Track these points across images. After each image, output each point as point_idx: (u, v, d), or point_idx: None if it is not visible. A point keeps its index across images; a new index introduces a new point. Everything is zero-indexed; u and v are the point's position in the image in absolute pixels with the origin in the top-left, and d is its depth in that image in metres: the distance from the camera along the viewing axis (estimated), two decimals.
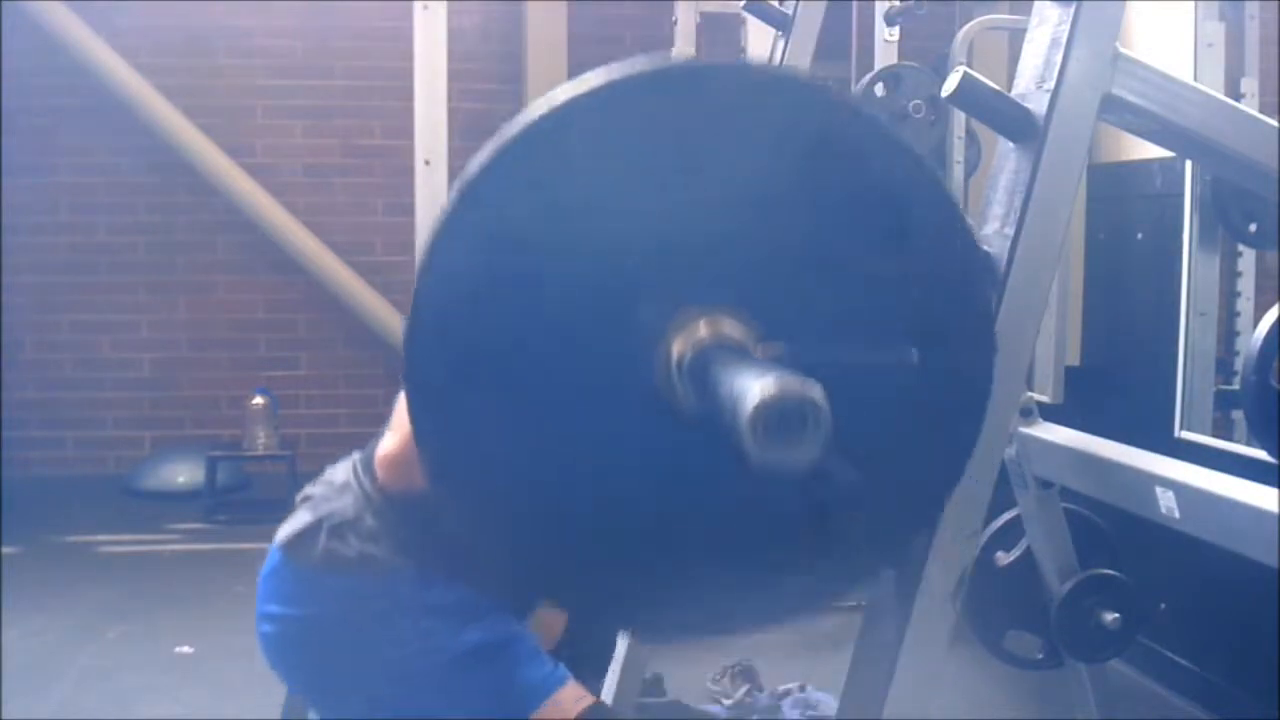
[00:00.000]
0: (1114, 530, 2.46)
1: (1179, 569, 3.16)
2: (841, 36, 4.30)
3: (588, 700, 1.60)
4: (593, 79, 1.03)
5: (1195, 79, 2.74)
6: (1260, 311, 3.17)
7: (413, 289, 1.04)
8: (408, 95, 3.90)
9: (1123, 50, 1.44)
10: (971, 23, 4.35)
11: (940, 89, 1.45)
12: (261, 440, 5.46)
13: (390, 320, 5.99)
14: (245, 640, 3.80)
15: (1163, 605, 3.36)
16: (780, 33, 2.86)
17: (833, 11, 2.92)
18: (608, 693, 2.58)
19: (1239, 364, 3.28)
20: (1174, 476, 1.95)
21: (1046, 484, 2.35)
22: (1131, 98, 1.43)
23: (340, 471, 1.71)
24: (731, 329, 1.04)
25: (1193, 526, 1.92)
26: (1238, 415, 3.22)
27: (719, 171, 1.06)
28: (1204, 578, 3.15)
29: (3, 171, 5.71)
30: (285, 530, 1.68)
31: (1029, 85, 1.41)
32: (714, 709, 3.29)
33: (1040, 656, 2.47)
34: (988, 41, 4.48)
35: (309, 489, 1.73)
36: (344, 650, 1.61)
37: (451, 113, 3.91)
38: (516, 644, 1.61)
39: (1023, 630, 2.44)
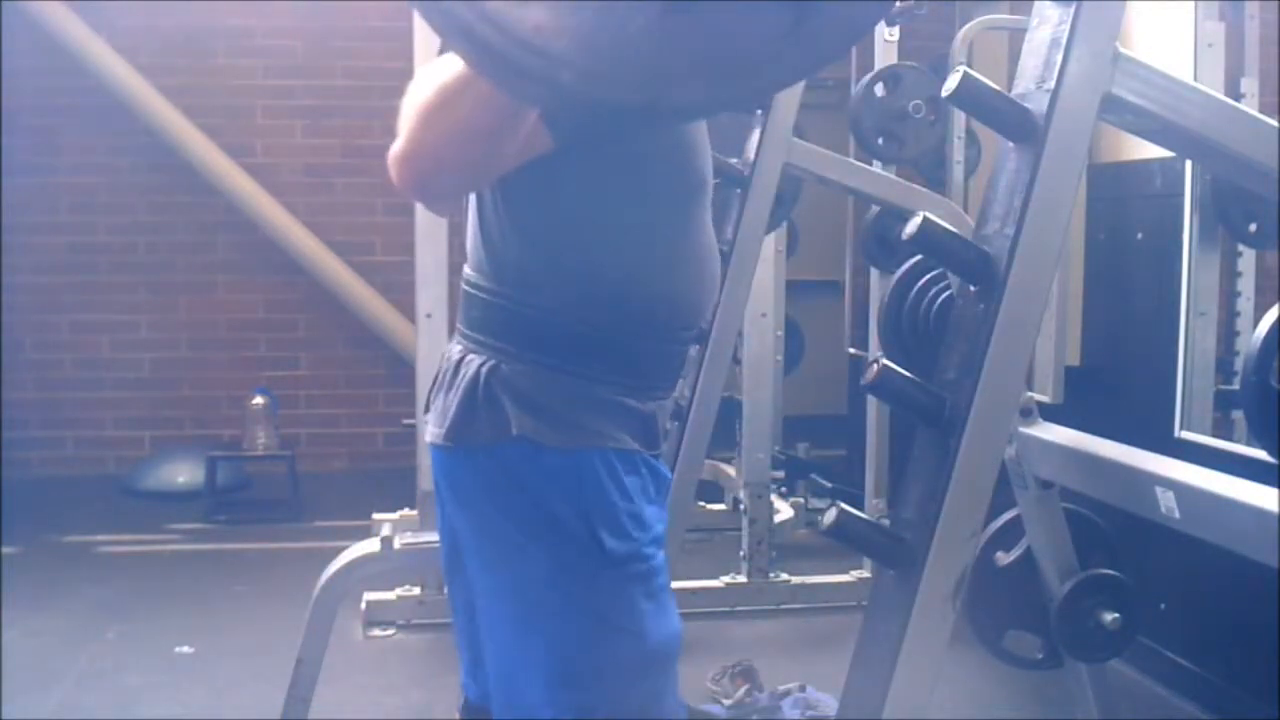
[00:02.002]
0: (1114, 530, 2.46)
1: (1179, 569, 3.16)
2: None
3: None
4: None
5: (1195, 79, 2.74)
6: (1260, 311, 3.17)
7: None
8: None
9: (1123, 50, 1.44)
10: (971, 23, 4.35)
11: (940, 89, 1.45)
12: (261, 440, 5.46)
13: (390, 320, 6.00)
14: (245, 640, 3.84)
15: (1163, 605, 3.36)
16: None
17: None
18: None
19: (1239, 364, 3.28)
20: (1174, 476, 1.95)
21: (1046, 484, 2.34)
22: (1131, 98, 1.43)
23: (451, 353, 1.61)
24: None
25: (1193, 526, 1.92)
26: (1237, 415, 3.22)
27: None
28: (1204, 578, 3.16)
29: (3, 171, 5.72)
30: (435, 427, 1.59)
31: (1029, 85, 1.41)
32: (714, 709, 3.29)
33: (1040, 657, 2.46)
34: (988, 41, 4.48)
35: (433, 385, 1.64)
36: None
37: None
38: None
39: (1023, 630, 2.44)
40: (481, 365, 1.53)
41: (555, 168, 1.45)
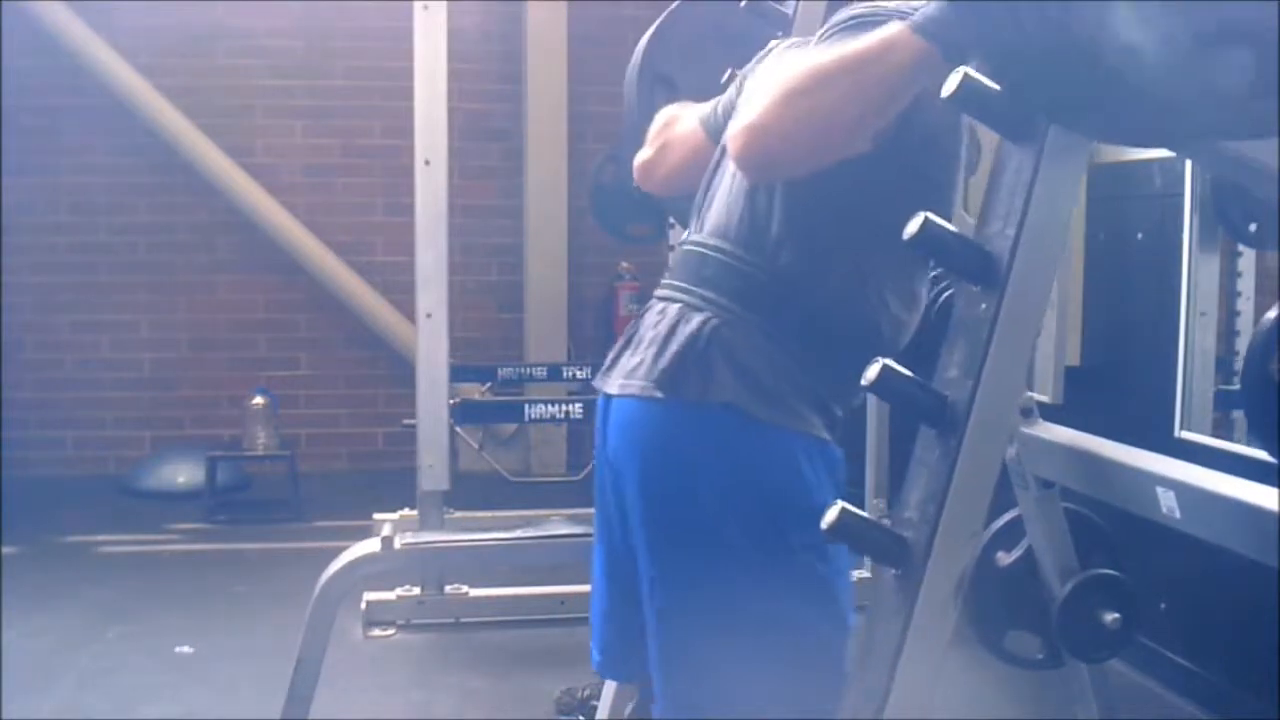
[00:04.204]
0: (1114, 530, 2.46)
1: (1179, 569, 3.16)
2: None
3: None
4: None
5: None
6: (1260, 312, 3.17)
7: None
8: (408, 95, 3.91)
9: None
10: None
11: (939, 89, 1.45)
12: (261, 440, 5.46)
13: (390, 320, 6.00)
14: (245, 640, 3.84)
15: (1163, 605, 3.36)
16: (780, 33, 2.86)
17: (833, 11, 2.91)
18: (605, 697, 2.57)
19: (1239, 364, 3.28)
20: (1174, 476, 1.95)
21: (1047, 484, 2.34)
22: None
23: (657, 311, 1.62)
24: None
25: (1193, 526, 1.92)
26: (1237, 415, 3.22)
27: None
28: (1204, 577, 3.15)
29: (3, 171, 5.72)
30: (636, 380, 1.58)
31: None
32: None
33: (1041, 656, 2.46)
34: None
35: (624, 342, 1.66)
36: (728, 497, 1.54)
37: (451, 113, 3.91)
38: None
39: (1023, 630, 2.44)
40: (705, 322, 1.55)
41: (848, 168, 1.47)
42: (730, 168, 1.63)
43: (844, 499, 1.56)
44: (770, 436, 1.53)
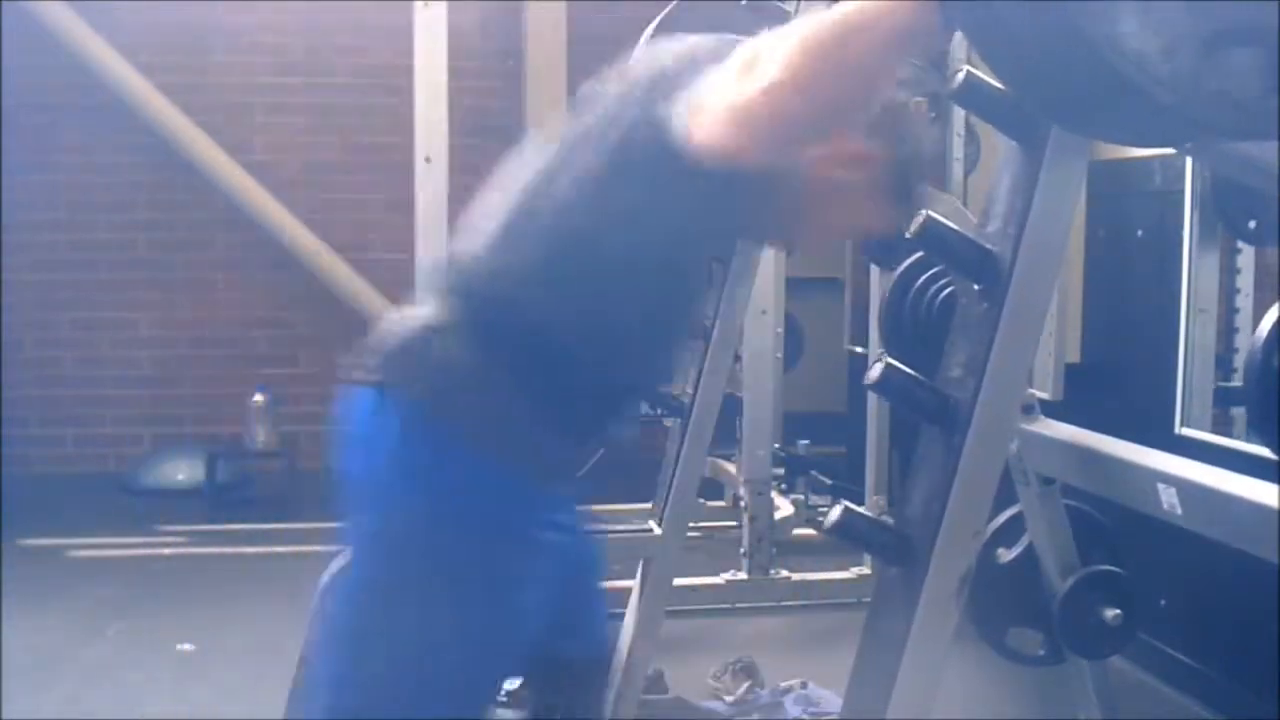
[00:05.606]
0: (1115, 526, 2.46)
1: (1180, 565, 3.17)
2: None
3: None
4: None
5: None
6: (1259, 309, 3.17)
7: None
8: (408, 93, 3.90)
9: None
10: None
11: (939, 86, 1.45)
12: (261, 438, 5.46)
13: None
14: (246, 638, 3.84)
15: (1164, 601, 3.36)
16: None
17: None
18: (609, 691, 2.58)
19: (1239, 361, 3.29)
20: (1176, 472, 1.95)
21: (1048, 480, 2.34)
22: None
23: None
24: None
25: (1194, 522, 1.92)
26: (1236, 412, 3.22)
27: None
28: (1205, 574, 3.16)
29: (3, 169, 5.71)
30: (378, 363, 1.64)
31: None
32: (716, 706, 3.30)
33: (1042, 653, 2.46)
34: None
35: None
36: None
37: (452, 110, 3.91)
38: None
39: (1025, 627, 2.44)
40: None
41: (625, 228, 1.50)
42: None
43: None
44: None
